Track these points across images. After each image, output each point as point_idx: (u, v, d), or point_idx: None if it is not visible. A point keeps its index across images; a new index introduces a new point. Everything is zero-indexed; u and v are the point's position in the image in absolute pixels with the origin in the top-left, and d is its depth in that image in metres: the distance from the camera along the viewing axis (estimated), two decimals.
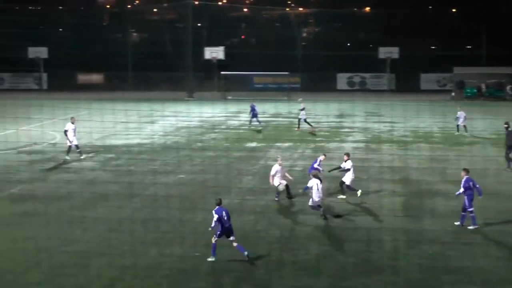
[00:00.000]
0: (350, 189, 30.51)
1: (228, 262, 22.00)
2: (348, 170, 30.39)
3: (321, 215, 26.94)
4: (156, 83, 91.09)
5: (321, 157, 31.01)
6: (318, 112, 63.21)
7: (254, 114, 55.08)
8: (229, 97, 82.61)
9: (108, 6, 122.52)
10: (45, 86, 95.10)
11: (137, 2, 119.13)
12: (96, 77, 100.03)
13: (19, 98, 75.09)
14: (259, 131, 52.96)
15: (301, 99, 56.52)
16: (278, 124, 57.36)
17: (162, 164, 39.17)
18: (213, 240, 22.07)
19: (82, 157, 40.68)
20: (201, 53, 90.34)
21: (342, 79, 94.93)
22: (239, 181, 34.22)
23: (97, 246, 23.74)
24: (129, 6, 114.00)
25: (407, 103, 64.93)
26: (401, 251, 23.23)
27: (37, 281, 20.65)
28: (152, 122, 59.37)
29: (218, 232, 22.02)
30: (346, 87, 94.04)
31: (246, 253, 21.95)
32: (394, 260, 22.37)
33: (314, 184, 26.76)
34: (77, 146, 40.84)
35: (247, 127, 54.72)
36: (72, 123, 40.85)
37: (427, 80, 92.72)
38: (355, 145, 46.39)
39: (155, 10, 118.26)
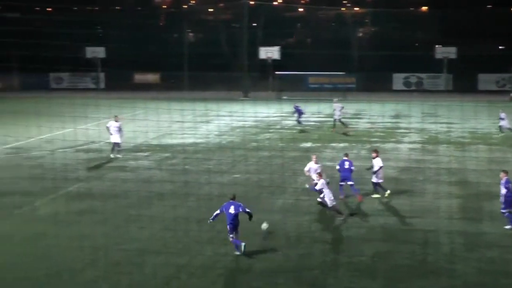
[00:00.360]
0: (376, 187, 30.39)
1: (283, 262, 21.97)
2: (380, 168, 30.10)
3: (339, 215, 27.01)
4: (211, 83, 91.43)
5: (345, 157, 30.55)
6: (374, 112, 62.73)
7: (299, 114, 54.64)
8: (284, 97, 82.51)
9: (164, 6, 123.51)
10: (102, 86, 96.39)
11: (193, 2, 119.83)
12: (152, 77, 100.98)
13: (77, 98, 76.11)
14: (302, 131, 52.73)
15: (336, 99, 56.21)
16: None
17: (217, 163, 39.29)
18: (230, 239, 22.47)
19: (112, 156, 40.84)
20: (257, 53, 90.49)
21: (398, 79, 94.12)
22: (293, 181, 34.13)
23: (152, 245, 23.91)
24: (185, 6, 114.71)
25: (464, 103, 63.99)
26: (459, 254, 22.89)
27: (93, 279, 20.87)
28: (207, 122, 59.67)
29: (228, 227, 22.41)
30: (402, 87, 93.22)
31: (243, 244, 22.28)
32: (451, 263, 22.03)
33: (322, 184, 26.66)
34: (117, 144, 41.14)
35: (301, 128, 54.58)
36: (116, 121, 41.20)
37: (485, 80, 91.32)
38: (411, 146, 45.95)
39: (210, 10, 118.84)
